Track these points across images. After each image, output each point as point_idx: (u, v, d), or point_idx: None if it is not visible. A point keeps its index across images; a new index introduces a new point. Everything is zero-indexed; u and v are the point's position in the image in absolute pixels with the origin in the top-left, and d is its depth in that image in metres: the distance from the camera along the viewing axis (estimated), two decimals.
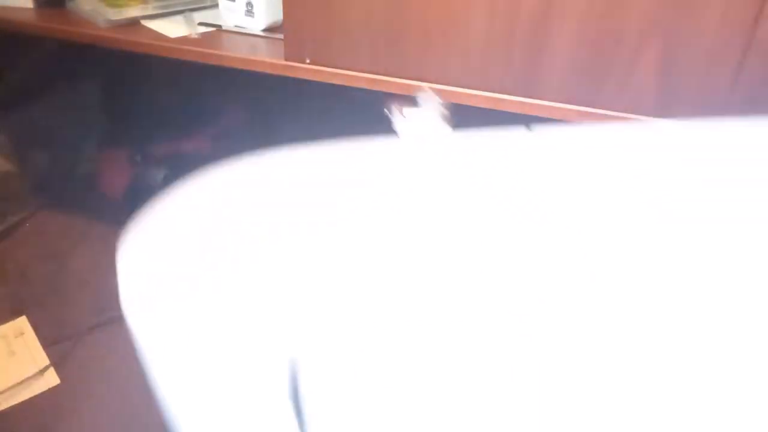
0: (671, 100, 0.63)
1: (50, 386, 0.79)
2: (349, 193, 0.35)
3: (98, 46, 0.85)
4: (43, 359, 0.82)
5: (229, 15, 0.86)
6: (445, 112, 0.39)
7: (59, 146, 1.12)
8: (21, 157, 0.61)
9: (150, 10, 0.89)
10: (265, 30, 0.85)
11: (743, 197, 0.29)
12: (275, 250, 0.31)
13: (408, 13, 0.67)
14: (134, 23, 0.87)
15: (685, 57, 0.60)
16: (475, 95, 0.69)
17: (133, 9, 0.88)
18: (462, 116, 0.52)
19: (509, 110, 0.68)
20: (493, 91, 0.68)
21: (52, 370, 0.81)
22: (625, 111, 0.65)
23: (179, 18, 0.90)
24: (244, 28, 0.86)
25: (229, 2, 0.85)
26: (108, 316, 0.85)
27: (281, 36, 0.76)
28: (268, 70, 0.77)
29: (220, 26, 0.87)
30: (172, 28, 0.85)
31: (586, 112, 0.66)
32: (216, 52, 0.79)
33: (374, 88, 0.72)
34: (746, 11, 0.57)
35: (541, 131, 0.36)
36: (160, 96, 1.24)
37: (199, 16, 0.91)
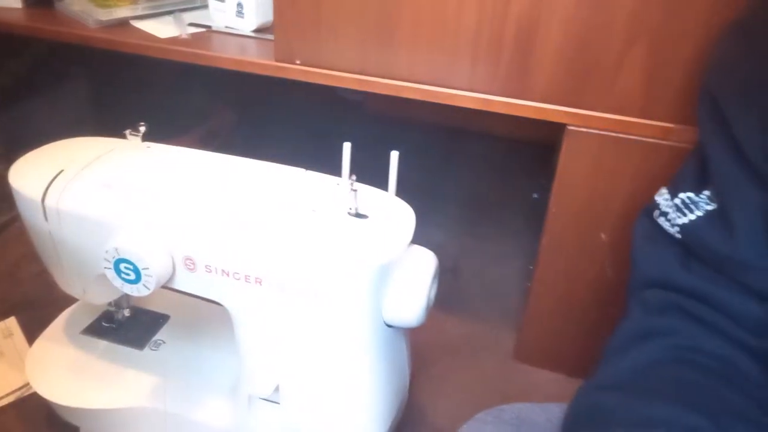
0: (657, 100, 0.64)
1: None
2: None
3: (88, 46, 0.85)
4: None
5: (219, 16, 0.86)
6: None
7: None
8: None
9: (140, 11, 0.90)
10: (255, 31, 0.85)
11: None
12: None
13: (397, 14, 0.68)
14: (123, 23, 0.87)
15: (671, 58, 0.62)
16: (464, 96, 0.70)
17: (123, 9, 0.88)
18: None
19: (498, 111, 0.69)
20: (482, 92, 0.69)
21: None
22: (612, 112, 0.66)
23: (169, 18, 0.90)
24: (234, 28, 0.86)
25: (219, 3, 0.85)
26: None
27: (271, 37, 0.77)
28: (258, 71, 0.77)
29: (210, 27, 0.87)
30: (162, 28, 0.86)
31: (573, 113, 0.67)
32: (206, 52, 0.79)
33: (364, 89, 0.73)
34: (729, 12, 0.58)
35: None
36: (150, 96, 1.24)
37: (189, 17, 0.91)
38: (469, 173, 1.37)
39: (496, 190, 1.32)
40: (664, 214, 0.46)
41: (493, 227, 1.19)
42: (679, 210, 0.45)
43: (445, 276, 1.05)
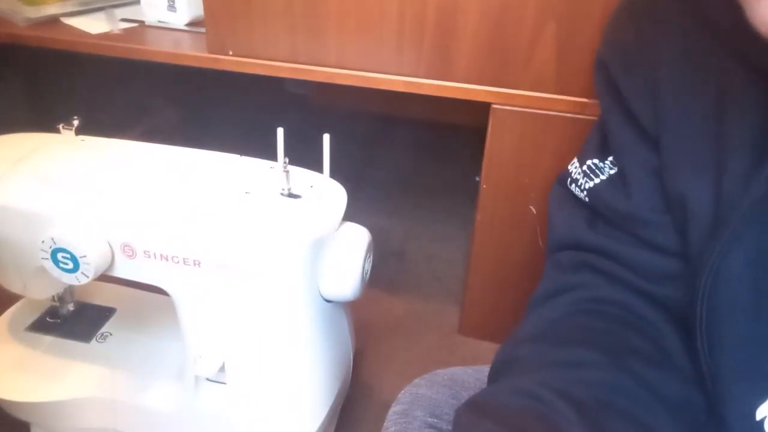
0: (570, 77, 0.68)
1: None
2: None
3: (19, 45, 0.85)
4: None
5: (151, 11, 0.87)
6: None
7: None
8: None
9: (69, 7, 0.89)
10: (188, 24, 0.86)
11: None
12: None
13: (324, 3, 0.70)
14: (54, 21, 0.87)
15: (579, 37, 0.66)
16: (393, 80, 0.72)
17: (52, 6, 0.88)
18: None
19: (425, 93, 0.72)
20: (409, 76, 0.72)
21: None
22: (531, 89, 0.70)
23: (100, 15, 0.90)
24: (166, 23, 0.87)
25: None
26: None
27: (204, 30, 0.78)
28: (192, 63, 0.78)
29: (142, 22, 0.88)
30: (94, 24, 0.86)
31: (496, 92, 0.70)
32: (139, 47, 0.80)
33: (296, 77, 0.75)
34: None
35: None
36: (88, 95, 1.23)
37: (121, 13, 0.91)
38: (414, 160, 1.41)
39: (441, 175, 1.36)
40: (575, 181, 0.50)
41: (438, 211, 1.22)
42: (587, 176, 0.48)
43: (392, 259, 1.09)
